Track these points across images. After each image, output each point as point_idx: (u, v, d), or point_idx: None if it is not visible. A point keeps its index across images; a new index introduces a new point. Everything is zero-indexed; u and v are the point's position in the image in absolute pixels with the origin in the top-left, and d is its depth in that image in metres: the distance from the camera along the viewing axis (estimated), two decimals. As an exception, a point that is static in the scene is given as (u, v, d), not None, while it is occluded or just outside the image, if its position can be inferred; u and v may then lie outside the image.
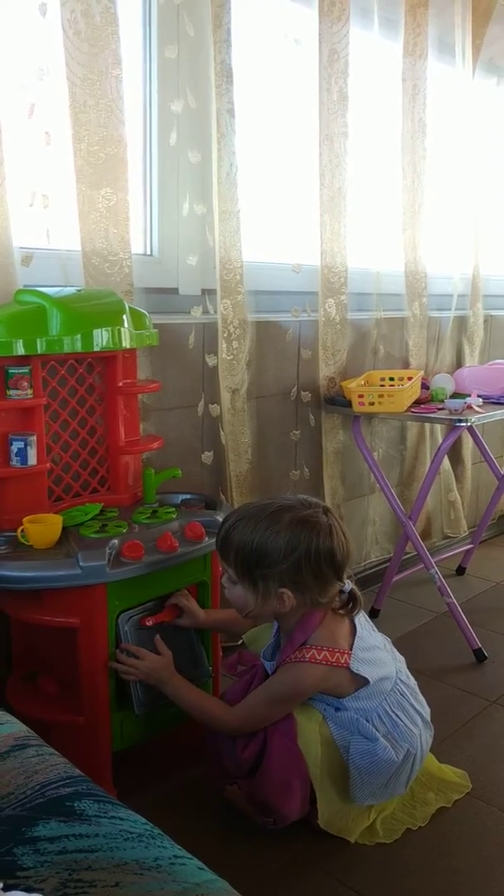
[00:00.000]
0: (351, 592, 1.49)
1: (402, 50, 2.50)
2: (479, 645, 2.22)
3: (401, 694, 1.53)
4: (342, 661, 1.45)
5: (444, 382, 2.51)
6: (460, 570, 2.90)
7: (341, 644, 1.47)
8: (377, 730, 1.46)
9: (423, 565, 2.32)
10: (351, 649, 1.47)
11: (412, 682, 1.58)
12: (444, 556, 2.76)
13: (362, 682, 1.47)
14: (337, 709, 1.48)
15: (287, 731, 1.44)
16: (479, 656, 2.20)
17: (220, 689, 1.73)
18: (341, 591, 1.48)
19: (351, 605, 1.50)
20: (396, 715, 1.49)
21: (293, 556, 1.39)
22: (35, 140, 1.67)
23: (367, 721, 1.46)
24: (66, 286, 1.72)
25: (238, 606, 1.50)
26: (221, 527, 1.47)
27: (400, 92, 2.52)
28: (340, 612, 1.49)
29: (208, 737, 1.56)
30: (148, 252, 2.01)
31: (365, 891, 1.35)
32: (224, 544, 1.46)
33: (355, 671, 1.45)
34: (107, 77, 1.68)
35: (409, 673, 1.58)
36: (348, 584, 1.49)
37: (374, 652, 1.51)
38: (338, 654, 1.45)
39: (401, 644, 1.55)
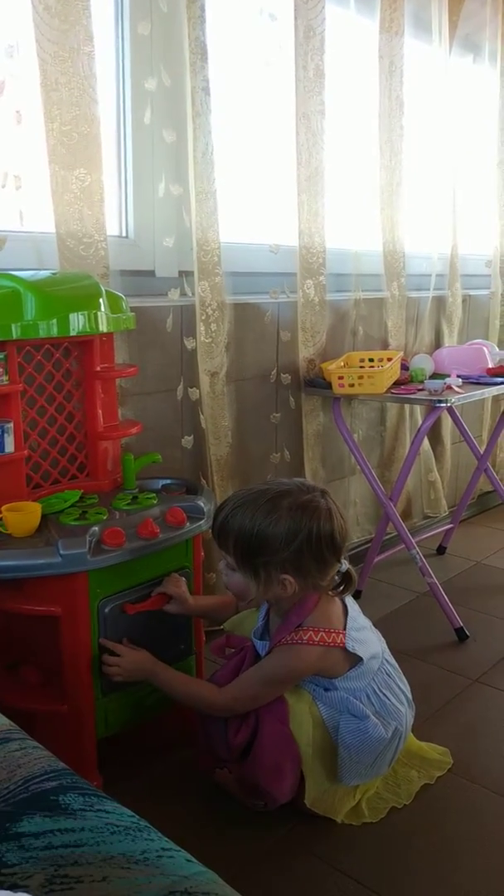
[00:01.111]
0: (346, 573, 1.50)
1: (378, 27, 2.47)
2: (461, 624, 2.23)
3: (387, 674, 1.54)
4: (338, 641, 1.45)
5: (423, 363, 2.51)
6: (441, 550, 2.92)
7: (336, 624, 1.47)
8: (366, 709, 1.46)
9: (404, 546, 2.32)
10: (345, 629, 1.47)
11: (394, 661, 1.59)
12: (424, 535, 2.77)
13: (355, 661, 1.47)
14: (326, 689, 1.48)
15: (279, 714, 1.44)
16: (461, 635, 2.22)
17: (204, 668, 1.72)
18: (337, 572, 1.48)
19: (344, 585, 1.50)
20: (384, 694, 1.50)
21: (295, 543, 1.38)
22: (6, 119, 1.63)
23: (357, 700, 1.47)
24: (40, 269, 1.69)
25: (239, 593, 1.49)
26: (218, 514, 1.46)
27: (377, 69, 2.49)
28: (330, 593, 1.49)
29: (197, 721, 1.55)
30: (123, 234, 1.97)
31: (351, 871, 1.36)
32: (222, 533, 1.44)
33: (351, 650, 1.46)
34: (78, 54, 1.63)
35: (390, 653, 1.59)
36: (344, 565, 1.49)
37: (364, 632, 1.52)
38: (333, 634, 1.45)
39: (383, 624, 1.55)
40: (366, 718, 1.45)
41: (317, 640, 1.43)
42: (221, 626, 1.75)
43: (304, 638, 1.43)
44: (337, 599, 1.51)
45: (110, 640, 1.48)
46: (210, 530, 1.51)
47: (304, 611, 1.45)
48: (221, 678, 1.53)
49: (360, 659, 1.47)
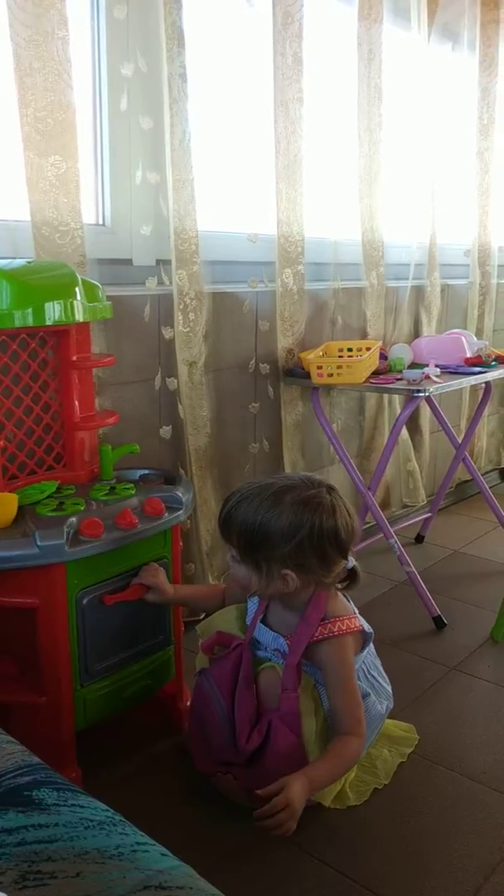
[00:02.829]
0: (352, 569, 1.49)
1: (357, 13, 2.45)
2: (439, 612, 2.24)
3: (374, 655, 1.57)
4: (359, 626, 1.48)
5: (402, 352, 2.51)
6: (419, 539, 2.94)
7: (350, 611, 1.50)
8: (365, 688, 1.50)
9: (382, 535, 2.33)
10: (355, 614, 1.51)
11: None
12: (403, 525, 2.79)
13: (361, 644, 1.51)
14: None
15: (292, 724, 1.43)
16: (439, 623, 2.23)
17: (183, 658, 1.72)
18: (343, 569, 1.48)
19: (349, 582, 1.50)
20: (373, 675, 1.54)
21: (296, 538, 1.37)
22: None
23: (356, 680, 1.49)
24: (15, 258, 1.67)
25: (243, 585, 1.49)
26: (223, 506, 1.45)
27: (355, 57, 2.48)
28: (333, 588, 1.49)
29: (194, 725, 1.55)
30: (100, 222, 1.95)
31: (330, 860, 1.37)
32: (226, 525, 1.44)
33: (368, 630, 1.49)
34: (53, 39, 1.61)
35: None
36: (351, 561, 1.48)
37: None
38: (354, 619, 1.48)
39: (361, 612, 1.56)
40: (366, 696, 1.48)
41: (344, 628, 1.46)
42: (201, 618, 1.74)
43: (335, 629, 1.44)
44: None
45: (88, 631, 1.47)
46: (188, 520, 1.51)
47: (321, 605, 1.46)
48: (219, 678, 1.51)
49: (370, 637, 1.51)
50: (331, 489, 1.44)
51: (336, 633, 1.45)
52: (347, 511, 1.43)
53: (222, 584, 1.80)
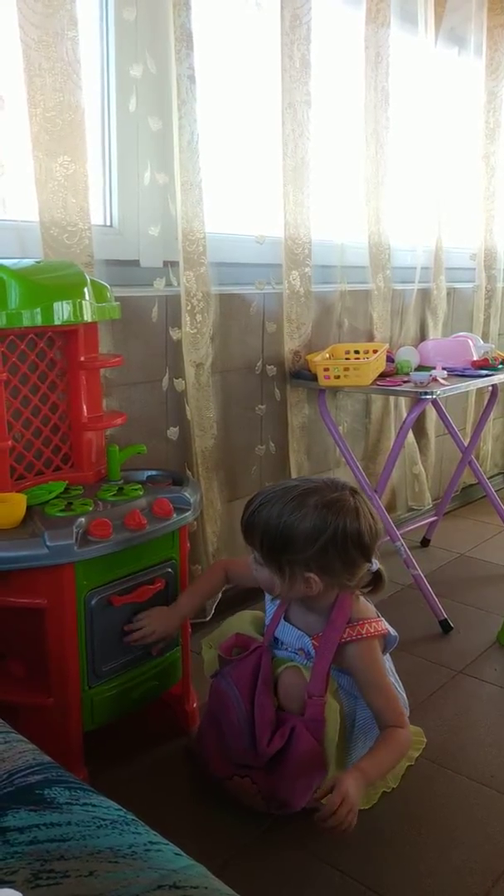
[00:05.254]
0: (377, 573, 1.48)
1: (364, 17, 2.46)
2: (445, 616, 2.24)
3: (390, 660, 1.56)
4: (385, 629, 1.48)
5: (408, 355, 2.51)
6: (425, 542, 2.93)
7: (374, 614, 1.49)
8: None
9: (388, 538, 2.32)
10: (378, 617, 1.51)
11: None
12: (408, 528, 2.78)
13: (384, 648, 1.51)
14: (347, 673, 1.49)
15: (315, 731, 1.42)
16: (445, 627, 2.23)
17: (190, 659, 1.71)
18: (367, 571, 1.47)
19: (374, 585, 1.49)
20: (391, 682, 1.52)
21: (320, 541, 1.36)
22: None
23: None
24: (23, 258, 1.66)
25: (266, 588, 1.49)
26: (246, 509, 1.45)
27: (363, 60, 2.48)
28: (358, 591, 1.48)
29: (210, 728, 1.54)
30: (108, 223, 1.95)
31: (337, 862, 1.36)
32: (249, 528, 1.43)
33: (393, 635, 1.49)
34: (62, 39, 1.61)
35: None
36: (375, 564, 1.47)
37: None
38: (380, 622, 1.48)
39: (369, 616, 1.56)
40: None
41: (372, 631, 1.45)
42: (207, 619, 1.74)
43: (363, 632, 1.44)
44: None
45: (96, 632, 1.46)
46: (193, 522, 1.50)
47: (345, 607, 1.45)
48: (238, 679, 1.49)
49: (393, 641, 1.51)
50: (354, 492, 1.42)
51: (364, 636, 1.44)
52: (371, 514, 1.42)
53: (220, 560, 1.79)
